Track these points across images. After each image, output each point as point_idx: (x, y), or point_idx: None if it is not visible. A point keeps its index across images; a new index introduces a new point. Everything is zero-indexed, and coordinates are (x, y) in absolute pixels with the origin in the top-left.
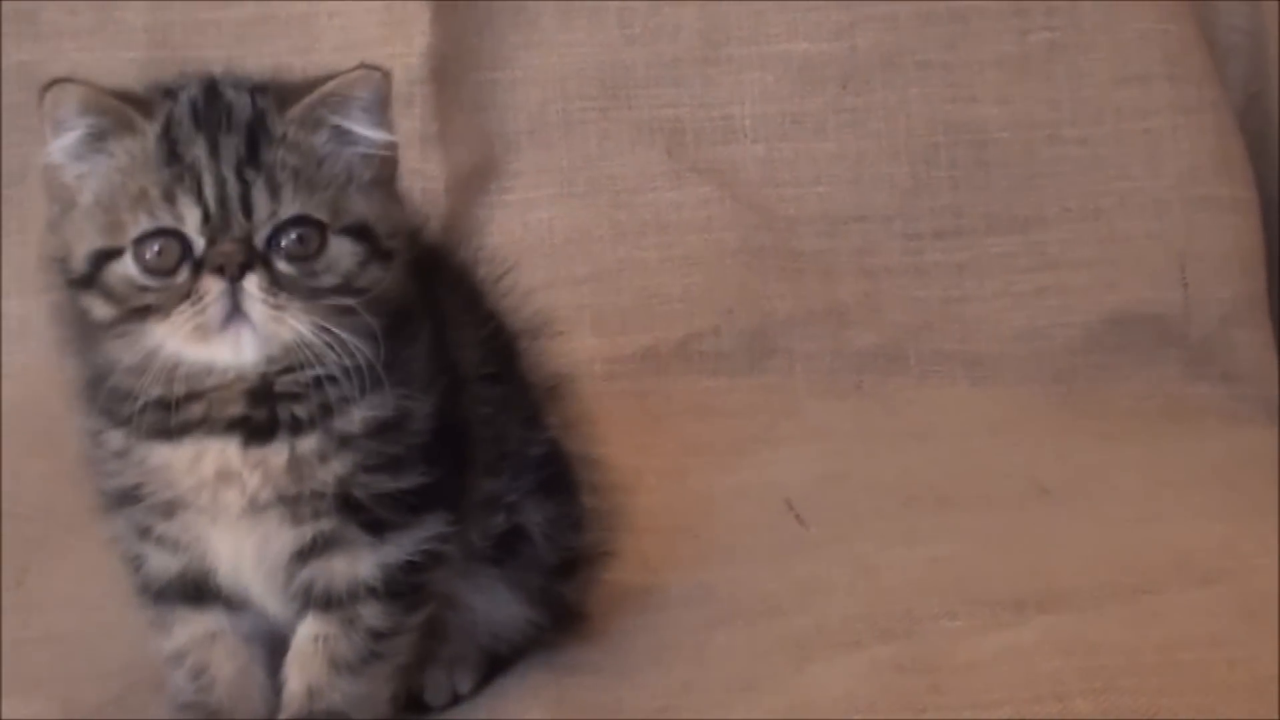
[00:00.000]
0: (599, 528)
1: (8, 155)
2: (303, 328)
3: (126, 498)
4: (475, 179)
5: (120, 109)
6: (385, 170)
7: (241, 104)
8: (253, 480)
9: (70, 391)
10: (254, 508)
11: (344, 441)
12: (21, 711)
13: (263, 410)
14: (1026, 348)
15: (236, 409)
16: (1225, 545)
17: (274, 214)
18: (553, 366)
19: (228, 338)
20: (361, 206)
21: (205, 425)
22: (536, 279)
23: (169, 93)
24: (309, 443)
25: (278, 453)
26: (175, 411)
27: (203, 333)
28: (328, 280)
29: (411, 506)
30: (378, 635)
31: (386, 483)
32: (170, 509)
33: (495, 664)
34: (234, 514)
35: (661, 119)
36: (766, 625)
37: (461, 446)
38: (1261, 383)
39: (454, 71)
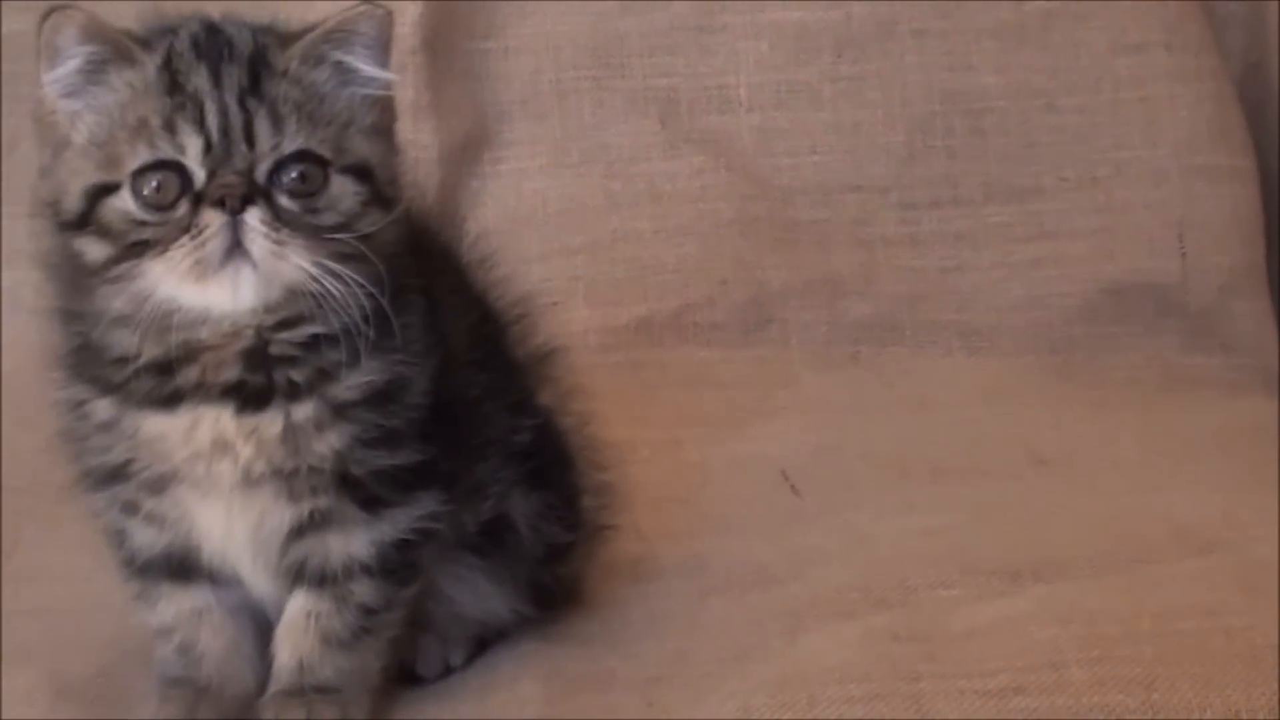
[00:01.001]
0: (591, 510)
1: (4, 125)
2: (306, 265)
3: (113, 475)
4: (468, 149)
5: (120, 39)
6: (386, 117)
7: (243, 38)
8: (247, 451)
9: (52, 362)
10: (248, 481)
11: (340, 410)
12: (11, 683)
13: (259, 375)
14: (1023, 318)
15: (232, 373)
16: (1223, 515)
17: (277, 146)
18: (543, 343)
19: (226, 276)
20: (364, 147)
21: (201, 391)
22: (530, 250)
23: (167, 30)
24: (304, 410)
25: (272, 421)
26: (170, 376)
27: (201, 270)
28: (329, 219)
29: (407, 484)
30: (369, 611)
31: (384, 458)
32: (160, 484)
33: (487, 637)
34: (227, 488)
35: (656, 88)
36: (760, 595)
37: (455, 425)
38: (1260, 353)
39: (446, 40)
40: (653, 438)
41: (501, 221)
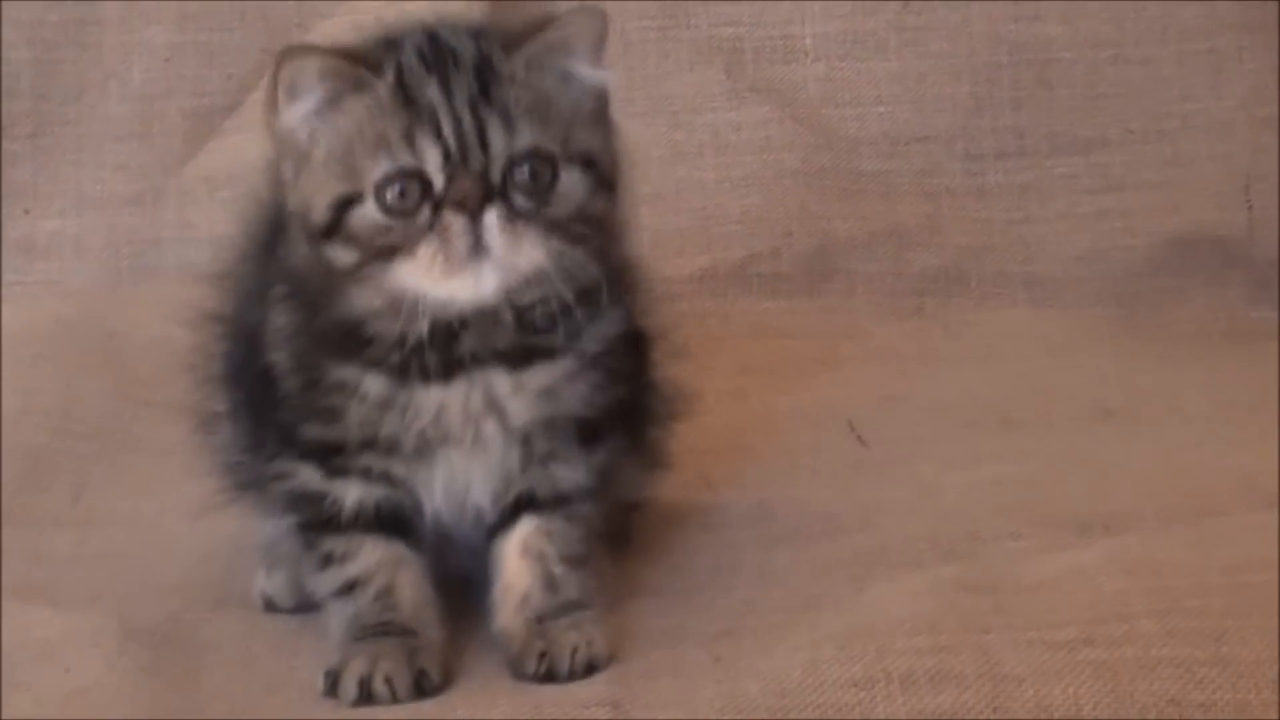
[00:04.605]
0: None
1: (62, 72)
2: (541, 255)
3: (365, 444)
4: None
5: (354, 71)
6: (602, 103)
7: (466, 48)
8: (514, 406)
9: (284, 346)
10: (509, 434)
11: (589, 362)
12: (78, 626)
13: (522, 339)
14: (1089, 270)
15: (502, 341)
16: None
17: (510, 147)
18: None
19: (470, 272)
20: (587, 139)
21: (475, 360)
22: None
23: (391, 44)
24: (563, 365)
25: (535, 376)
26: (448, 350)
27: (448, 268)
28: (562, 210)
29: (618, 415)
30: (593, 527)
31: (611, 396)
32: (414, 447)
33: None
34: (490, 443)
35: (721, 38)
36: (828, 545)
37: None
38: None
39: None
40: (717, 387)
41: None
